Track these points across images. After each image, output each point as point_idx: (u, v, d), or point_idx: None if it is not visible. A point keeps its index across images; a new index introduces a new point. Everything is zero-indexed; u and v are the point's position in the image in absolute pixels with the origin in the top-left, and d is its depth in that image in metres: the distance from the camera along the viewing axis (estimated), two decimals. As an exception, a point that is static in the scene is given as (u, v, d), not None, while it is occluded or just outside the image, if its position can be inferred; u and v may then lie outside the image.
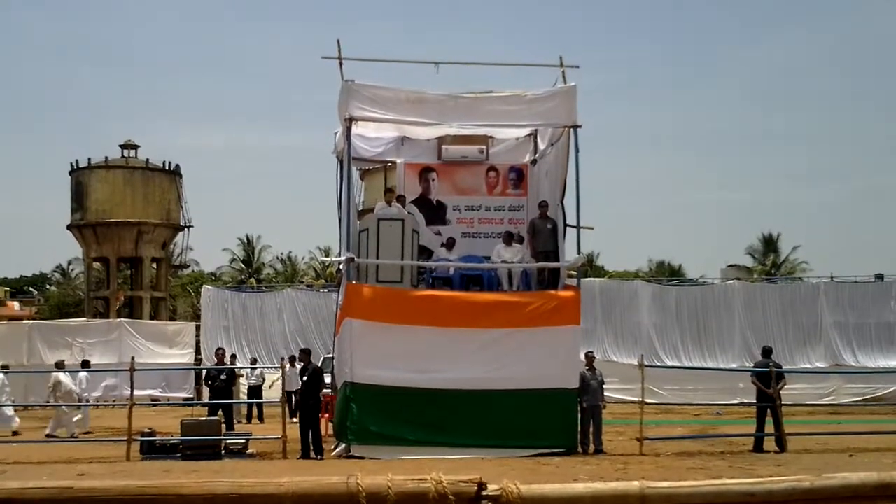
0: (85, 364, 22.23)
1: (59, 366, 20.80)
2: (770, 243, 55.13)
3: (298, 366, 17.85)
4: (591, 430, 15.29)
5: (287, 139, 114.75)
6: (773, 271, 51.09)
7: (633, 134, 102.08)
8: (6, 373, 21.74)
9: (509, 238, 16.53)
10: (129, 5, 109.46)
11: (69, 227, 47.39)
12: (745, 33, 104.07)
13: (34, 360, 28.86)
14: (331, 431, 16.39)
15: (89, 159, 46.67)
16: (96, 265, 50.95)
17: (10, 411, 20.53)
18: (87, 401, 21.79)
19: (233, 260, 61.36)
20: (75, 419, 19.67)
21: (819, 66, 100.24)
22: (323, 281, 45.88)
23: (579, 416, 15.26)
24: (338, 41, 15.57)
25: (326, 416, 16.59)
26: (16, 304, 66.13)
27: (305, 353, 16.45)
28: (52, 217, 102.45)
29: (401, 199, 16.80)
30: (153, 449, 15.22)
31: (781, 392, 15.72)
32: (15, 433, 19.89)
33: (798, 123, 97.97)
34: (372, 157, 18.38)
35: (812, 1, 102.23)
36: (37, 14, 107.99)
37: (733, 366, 27.45)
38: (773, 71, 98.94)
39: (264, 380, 25.59)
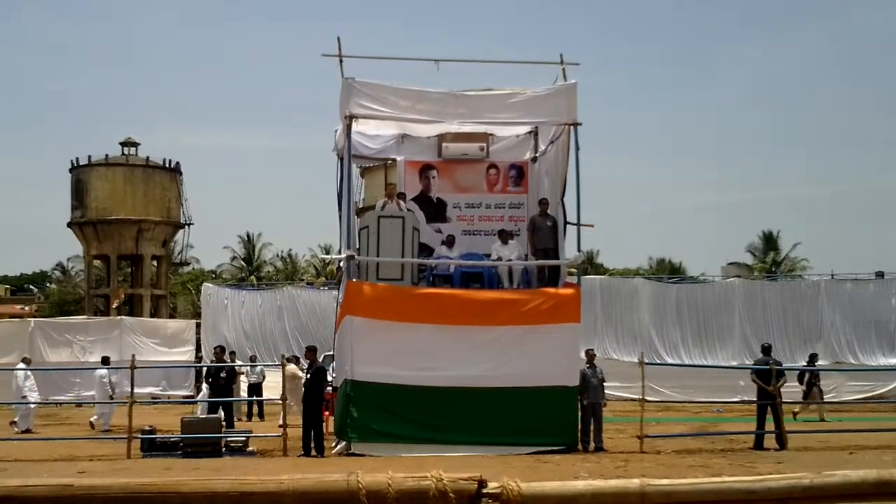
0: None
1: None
2: (770, 241, 55.15)
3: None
4: (591, 427, 15.30)
5: (287, 137, 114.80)
6: (773, 269, 51.08)
7: (633, 132, 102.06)
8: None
9: (504, 235, 16.55)
10: (129, 5, 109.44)
11: (69, 225, 47.39)
12: (746, 33, 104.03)
13: (35, 358, 28.78)
14: (331, 429, 16.41)
15: (89, 157, 46.66)
16: (96, 263, 50.96)
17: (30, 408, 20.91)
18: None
19: (233, 258, 61.39)
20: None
21: (819, 67, 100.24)
22: (323, 279, 45.85)
23: (580, 413, 15.28)
24: (338, 38, 15.60)
25: (327, 413, 16.61)
26: (17, 306, 66.04)
27: (311, 351, 16.47)
28: (53, 215, 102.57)
29: (401, 197, 16.80)
30: (154, 446, 15.24)
31: (781, 390, 15.74)
32: (26, 430, 20.18)
33: (798, 123, 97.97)
34: (372, 154, 18.39)
35: (812, 2, 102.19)
36: (37, 14, 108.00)
37: (733, 363, 27.42)
38: (773, 70, 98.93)
39: (264, 377, 25.58)
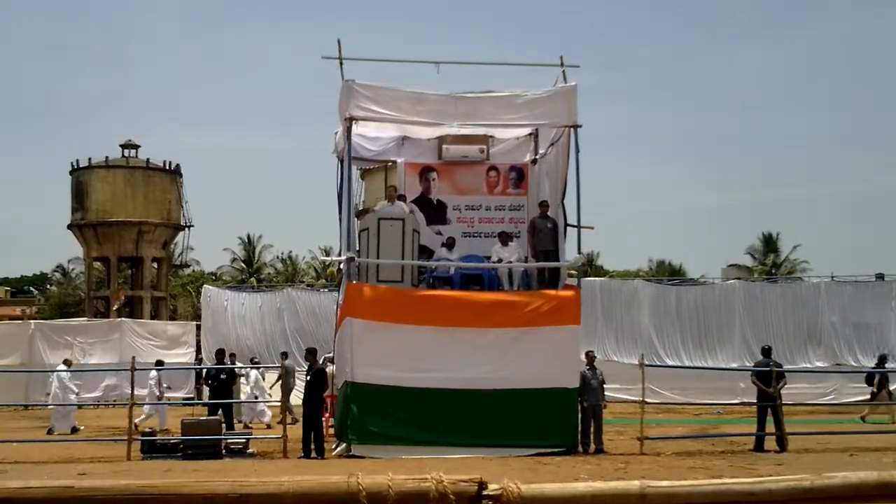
0: None
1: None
2: (770, 243, 55.12)
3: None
4: (591, 429, 15.30)
5: (287, 139, 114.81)
6: (773, 271, 51.06)
7: (633, 134, 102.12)
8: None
9: (504, 237, 16.55)
10: (129, 6, 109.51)
11: (70, 227, 47.38)
12: (746, 34, 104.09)
13: (35, 360, 28.82)
14: (331, 431, 16.41)
15: (90, 159, 46.67)
16: (97, 265, 50.96)
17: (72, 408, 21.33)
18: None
19: (233, 259, 61.41)
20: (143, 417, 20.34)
21: (819, 67, 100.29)
22: (323, 280, 45.85)
23: (580, 415, 15.27)
24: (338, 41, 15.63)
25: (327, 415, 16.62)
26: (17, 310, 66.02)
27: (311, 353, 16.48)
28: (53, 217, 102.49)
29: (401, 199, 16.81)
30: (154, 448, 15.25)
31: (782, 391, 15.73)
32: (74, 429, 20.65)
33: (798, 124, 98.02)
34: (372, 156, 18.40)
35: (812, 2, 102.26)
36: (37, 14, 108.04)
37: (734, 365, 27.41)
38: (773, 70, 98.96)
39: (264, 379, 25.56)
